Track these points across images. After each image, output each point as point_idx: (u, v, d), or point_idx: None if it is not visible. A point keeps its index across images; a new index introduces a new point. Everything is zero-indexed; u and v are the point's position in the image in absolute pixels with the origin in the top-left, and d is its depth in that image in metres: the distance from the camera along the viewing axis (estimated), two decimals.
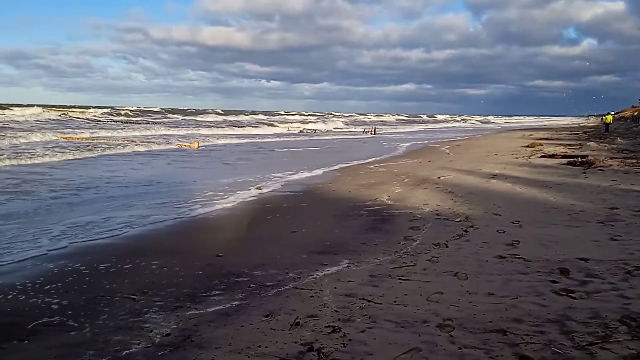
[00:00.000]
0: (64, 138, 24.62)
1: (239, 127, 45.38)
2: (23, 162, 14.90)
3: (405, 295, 4.34)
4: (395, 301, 4.20)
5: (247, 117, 68.53)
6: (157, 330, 3.76)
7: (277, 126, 49.44)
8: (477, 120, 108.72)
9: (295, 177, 12.98)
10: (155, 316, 4.05)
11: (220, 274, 5.11)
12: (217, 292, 4.60)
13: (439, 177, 12.07)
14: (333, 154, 21.94)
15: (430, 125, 70.77)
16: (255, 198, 9.70)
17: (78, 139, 24.89)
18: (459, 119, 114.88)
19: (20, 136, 23.30)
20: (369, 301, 4.21)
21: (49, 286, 4.75)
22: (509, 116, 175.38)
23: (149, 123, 45.54)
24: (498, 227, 6.77)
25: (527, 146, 21.68)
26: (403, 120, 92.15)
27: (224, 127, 44.54)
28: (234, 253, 5.96)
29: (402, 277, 4.82)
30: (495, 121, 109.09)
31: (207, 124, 49.72)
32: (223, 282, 4.88)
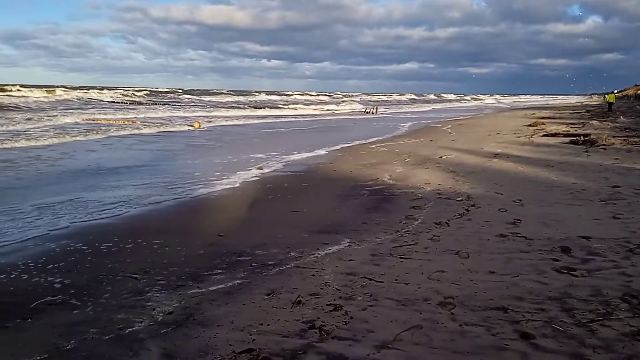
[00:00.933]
0: (87, 120, 24.63)
1: (277, 108, 44.76)
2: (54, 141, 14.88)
3: (407, 273, 4.35)
4: (396, 280, 4.21)
5: (264, 97, 68.15)
6: (160, 309, 3.78)
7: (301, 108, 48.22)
8: (479, 100, 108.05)
9: (296, 157, 12.94)
10: (157, 295, 4.07)
11: (221, 253, 5.13)
12: (219, 271, 4.62)
13: (440, 157, 12.03)
14: (334, 133, 21.85)
15: (434, 105, 70.35)
16: (257, 178, 9.68)
17: (101, 120, 24.79)
18: (455, 97, 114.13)
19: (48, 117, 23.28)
20: (370, 280, 4.22)
21: (51, 266, 4.77)
22: (511, 95, 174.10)
23: (165, 104, 44.89)
24: (500, 206, 6.76)
25: (529, 125, 21.55)
26: (414, 100, 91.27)
27: (261, 109, 43.86)
28: (236, 233, 5.97)
29: (403, 256, 4.83)
30: (503, 100, 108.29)
31: (227, 104, 49.07)
32: (225, 261, 4.89)
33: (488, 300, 3.72)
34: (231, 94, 75.24)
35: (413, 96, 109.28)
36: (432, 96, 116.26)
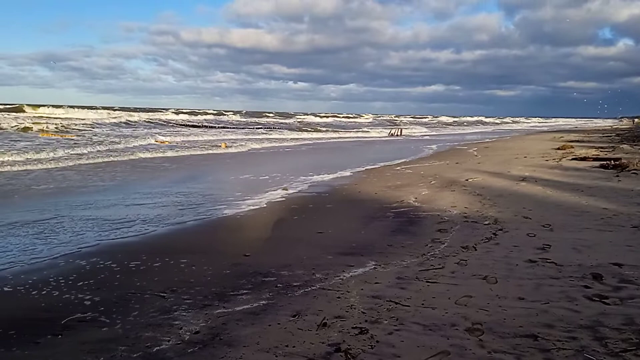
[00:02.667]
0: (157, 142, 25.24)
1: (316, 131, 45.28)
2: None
3: (433, 298, 4.30)
4: (423, 304, 4.17)
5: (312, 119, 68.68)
6: (187, 328, 3.81)
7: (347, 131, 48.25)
8: (506, 122, 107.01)
9: (321, 178, 12.99)
10: (184, 314, 4.11)
11: (247, 273, 5.16)
12: (244, 291, 4.64)
13: (466, 179, 11.92)
14: (359, 155, 21.89)
15: (460, 128, 69.91)
16: (282, 199, 9.75)
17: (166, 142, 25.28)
18: (487, 120, 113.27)
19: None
20: (396, 303, 4.19)
21: (81, 282, 4.87)
22: (539, 118, 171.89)
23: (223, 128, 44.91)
24: (528, 230, 6.65)
25: (558, 148, 21.21)
26: (439, 121, 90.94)
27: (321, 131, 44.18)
28: (261, 253, 6.00)
29: (429, 280, 4.78)
30: (530, 123, 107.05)
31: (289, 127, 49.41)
32: (250, 281, 4.92)
33: (517, 327, 3.65)
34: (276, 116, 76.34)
35: (439, 118, 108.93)
36: (457, 118, 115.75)
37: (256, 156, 20.87)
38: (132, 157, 17.79)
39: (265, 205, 9.01)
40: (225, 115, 72.61)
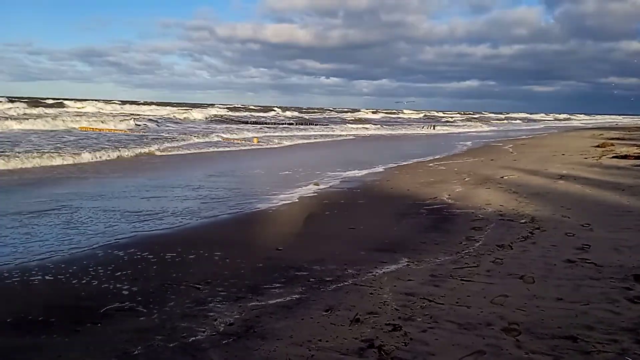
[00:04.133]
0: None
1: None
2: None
3: (468, 296, 4.24)
4: (457, 302, 4.11)
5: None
6: (221, 320, 3.87)
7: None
8: (543, 118, 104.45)
9: (353, 173, 12.96)
10: (219, 306, 4.16)
11: (280, 267, 5.19)
12: (277, 284, 4.67)
13: (502, 177, 11.69)
14: (391, 151, 21.74)
15: (494, 124, 68.60)
16: (314, 194, 9.77)
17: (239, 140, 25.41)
18: (524, 116, 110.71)
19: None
20: (430, 301, 4.15)
21: (119, 273, 4.99)
22: (578, 114, 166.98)
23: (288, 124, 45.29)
24: (567, 229, 6.48)
25: (598, 146, 20.57)
26: (473, 117, 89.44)
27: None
28: (293, 247, 6.03)
29: (464, 278, 4.71)
30: (569, 120, 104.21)
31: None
32: (283, 275, 4.95)
33: (556, 328, 3.56)
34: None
35: (472, 114, 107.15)
36: (492, 114, 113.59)
37: (288, 151, 20.98)
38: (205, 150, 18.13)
39: (297, 200, 9.05)
40: (273, 110, 72.48)
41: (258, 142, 23.55)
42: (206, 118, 45.84)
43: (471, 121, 73.56)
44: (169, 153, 17.47)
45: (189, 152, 18.42)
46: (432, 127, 45.76)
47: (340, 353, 3.28)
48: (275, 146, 22.78)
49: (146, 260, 5.42)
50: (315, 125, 44.45)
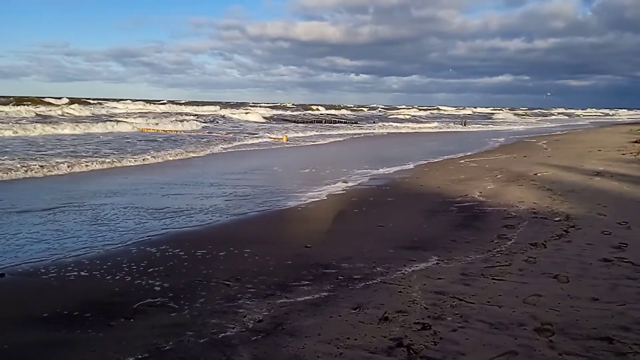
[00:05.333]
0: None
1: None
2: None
3: (500, 296, 4.16)
4: (488, 301, 4.04)
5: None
6: (250, 316, 3.90)
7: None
8: (578, 113, 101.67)
9: (382, 171, 12.88)
10: (248, 302, 4.20)
11: (308, 264, 5.20)
12: (306, 282, 4.69)
13: (535, 174, 11.43)
14: (421, 148, 21.53)
15: (527, 119, 67.13)
16: (343, 191, 9.75)
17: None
18: (559, 111, 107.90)
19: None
20: (460, 300, 4.09)
21: (151, 269, 5.08)
22: (615, 109, 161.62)
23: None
24: (603, 228, 6.28)
25: (636, 142, 19.88)
26: (505, 113, 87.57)
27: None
28: (322, 245, 6.03)
29: (495, 277, 4.63)
30: (605, 115, 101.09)
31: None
32: (312, 272, 4.95)
33: (591, 329, 3.46)
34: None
35: (505, 110, 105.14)
36: (526, 110, 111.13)
37: (316, 149, 21.01)
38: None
39: (325, 198, 9.05)
40: (311, 109, 72.18)
41: (287, 140, 23.65)
42: (268, 118, 45.77)
43: (504, 116, 72.14)
44: (296, 145, 17.69)
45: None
46: (463, 124, 45.08)
47: (369, 351, 3.26)
48: (307, 144, 22.84)
49: (177, 256, 5.51)
50: (374, 123, 44.25)
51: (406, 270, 4.94)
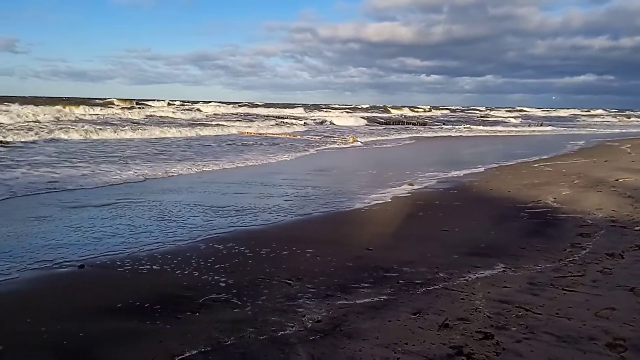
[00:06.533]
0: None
1: None
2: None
3: (570, 307, 3.96)
4: (557, 313, 3.85)
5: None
6: (310, 316, 3.95)
7: None
8: None
9: (450, 174, 12.59)
10: (308, 302, 4.26)
11: (369, 267, 5.19)
12: (366, 284, 4.68)
13: (616, 179, 10.72)
14: (492, 150, 20.83)
15: (609, 121, 63.10)
16: (408, 194, 9.63)
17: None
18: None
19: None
20: (526, 310, 3.93)
21: (218, 265, 5.27)
22: None
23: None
24: None
25: None
26: (586, 114, 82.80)
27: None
28: (384, 247, 6.00)
29: (566, 288, 4.40)
30: None
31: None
32: (372, 275, 4.94)
33: None
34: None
35: (585, 111, 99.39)
36: (612, 111, 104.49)
37: (385, 150, 20.87)
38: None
39: (389, 200, 8.98)
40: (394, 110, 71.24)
41: (354, 141, 23.67)
42: (387, 121, 45.68)
43: (584, 118, 68.18)
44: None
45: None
46: (539, 125, 43.13)
47: (427, 358, 3.21)
48: (376, 146, 22.75)
49: (242, 254, 5.67)
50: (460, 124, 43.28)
51: (470, 277, 4.81)
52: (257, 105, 72.89)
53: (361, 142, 23.61)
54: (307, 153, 18.17)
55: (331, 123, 41.00)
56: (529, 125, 44.06)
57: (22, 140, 17.87)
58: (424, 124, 43.13)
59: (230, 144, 20.26)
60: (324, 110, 63.12)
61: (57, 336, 3.64)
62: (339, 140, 24.05)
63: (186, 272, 5.10)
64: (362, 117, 46.88)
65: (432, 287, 4.56)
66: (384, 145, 22.96)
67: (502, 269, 5.03)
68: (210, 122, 33.69)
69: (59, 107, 33.71)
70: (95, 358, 3.38)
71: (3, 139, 17.25)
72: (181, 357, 3.33)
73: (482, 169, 13.56)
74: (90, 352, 3.45)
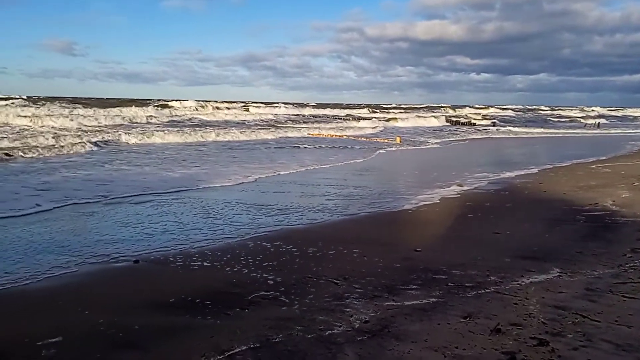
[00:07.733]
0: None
1: None
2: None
3: (630, 315, 3.77)
4: (616, 321, 3.68)
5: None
6: (357, 316, 3.94)
7: None
8: None
9: (501, 175, 12.26)
10: (355, 302, 4.25)
11: (417, 268, 5.12)
12: (414, 286, 4.62)
13: None
14: (546, 151, 20.13)
15: None
16: (457, 195, 9.44)
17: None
18: None
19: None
20: (583, 317, 3.77)
21: (266, 263, 5.34)
22: None
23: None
24: None
25: None
26: None
27: None
28: (432, 249, 5.90)
29: (626, 295, 4.20)
30: None
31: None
32: (420, 277, 4.87)
33: None
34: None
35: None
36: None
37: (433, 151, 20.56)
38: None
39: (438, 201, 8.83)
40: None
41: (401, 141, 23.45)
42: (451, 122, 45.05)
43: None
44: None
45: None
46: (596, 126, 41.34)
47: None
48: (423, 146, 22.46)
49: (290, 252, 5.72)
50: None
51: (523, 282, 4.67)
52: (305, 106, 72.60)
53: (437, 143, 23.32)
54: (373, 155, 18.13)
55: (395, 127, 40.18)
56: (584, 127, 42.26)
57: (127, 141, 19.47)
58: (494, 125, 41.81)
59: (317, 146, 20.17)
60: (384, 110, 61.96)
61: (112, 328, 3.78)
62: (386, 141, 23.86)
63: (235, 269, 5.20)
64: (434, 117, 46.05)
65: (483, 291, 4.45)
66: (431, 146, 22.60)
67: (558, 274, 4.85)
68: (284, 124, 34.50)
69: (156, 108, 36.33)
70: (149, 351, 3.49)
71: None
72: (231, 352, 3.39)
73: (535, 170, 13.13)
74: (144, 346, 3.56)
